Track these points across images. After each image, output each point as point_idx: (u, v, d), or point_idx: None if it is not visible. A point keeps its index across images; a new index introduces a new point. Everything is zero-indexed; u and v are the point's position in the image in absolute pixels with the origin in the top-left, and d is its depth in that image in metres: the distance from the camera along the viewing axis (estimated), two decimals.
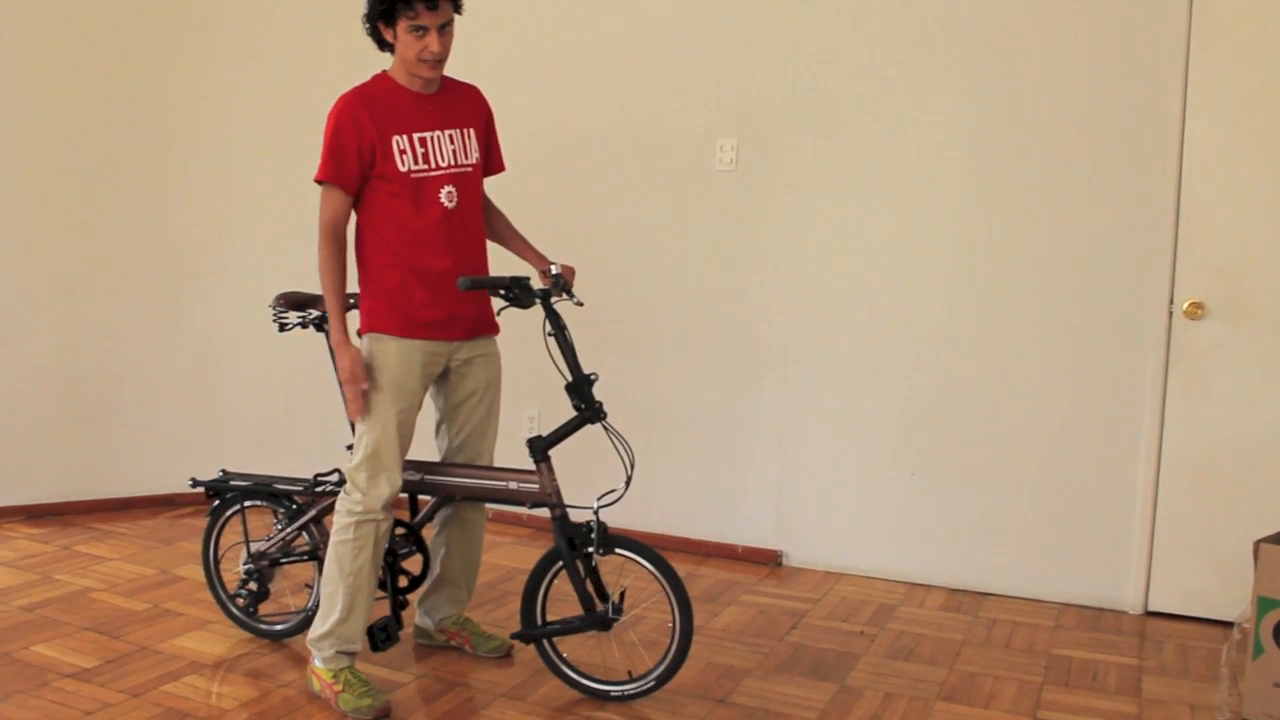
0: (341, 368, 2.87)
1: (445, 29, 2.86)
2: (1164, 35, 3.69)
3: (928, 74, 4.03)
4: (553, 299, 2.98)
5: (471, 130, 3.04)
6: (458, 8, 2.90)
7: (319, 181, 2.91)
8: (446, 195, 2.95)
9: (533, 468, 2.99)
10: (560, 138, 4.65)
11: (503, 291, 2.91)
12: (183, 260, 4.95)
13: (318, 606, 3.17)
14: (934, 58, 4.01)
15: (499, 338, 3.21)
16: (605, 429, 2.93)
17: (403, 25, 2.82)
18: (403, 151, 2.89)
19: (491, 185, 3.26)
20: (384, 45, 2.94)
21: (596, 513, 2.90)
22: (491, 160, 3.17)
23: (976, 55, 3.95)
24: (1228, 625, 3.60)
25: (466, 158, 3.01)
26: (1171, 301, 3.75)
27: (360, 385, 2.87)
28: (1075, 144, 3.84)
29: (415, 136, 2.91)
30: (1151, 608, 3.84)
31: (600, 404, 2.93)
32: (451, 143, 2.98)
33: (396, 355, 2.92)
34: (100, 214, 4.77)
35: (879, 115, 4.11)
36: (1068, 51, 3.83)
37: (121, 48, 4.76)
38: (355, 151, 2.85)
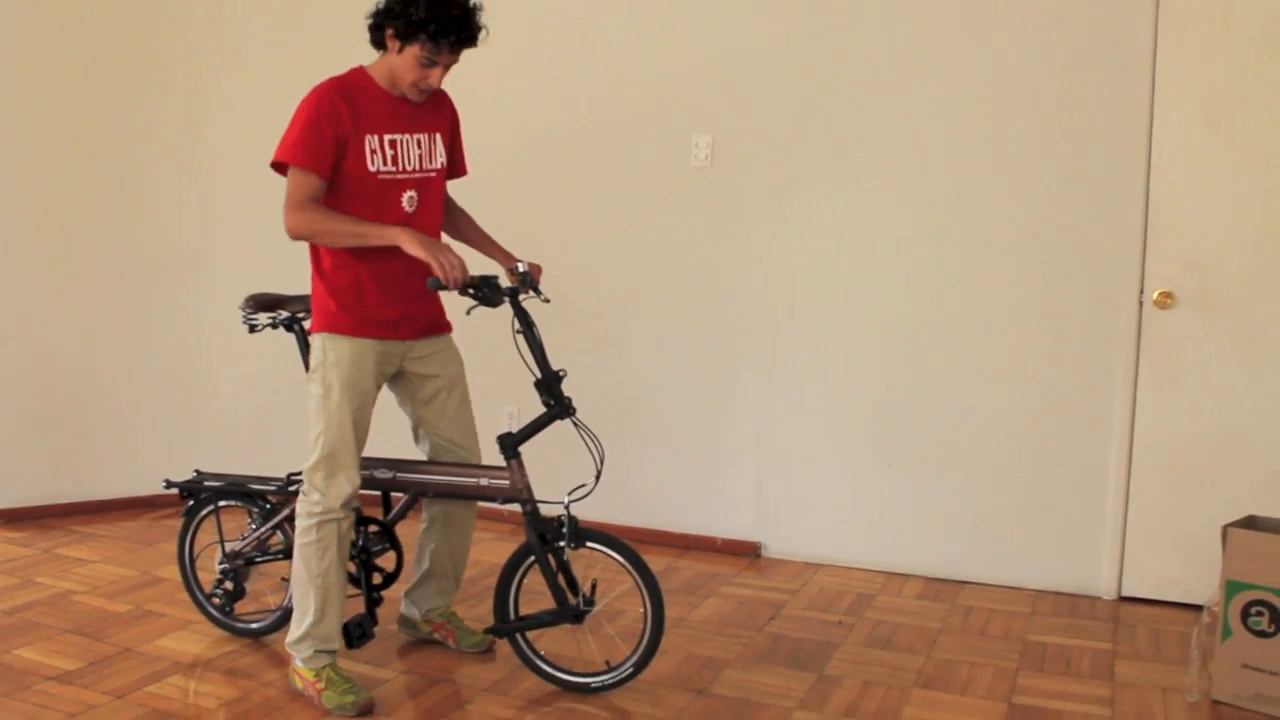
0: (442, 261, 2.74)
1: (450, 65, 2.87)
2: (1133, 29, 3.74)
3: (900, 69, 4.06)
4: (520, 296, 2.99)
5: (438, 135, 3.03)
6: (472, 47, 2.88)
7: (288, 164, 2.82)
8: (408, 200, 2.95)
9: (503, 464, 3.01)
10: (534, 134, 4.66)
11: (471, 290, 2.92)
12: (161, 262, 4.94)
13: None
14: (906, 53, 4.05)
15: (459, 336, 3.22)
16: (575, 424, 2.95)
17: (415, 49, 2.80)
18: (374, 151, 2.87)
19: (466, 182, 3.27)
20: (379, 45, 2.89)
21: (567, 507, 2.92)
22: (455, 165, 3.16)
23: (947, 51, 3.99)
24: (1198, 609, 3.65)
25: (431, 163, 3.01)
26: (1142, 291, 3.80)
27: (443, 252, 2.77)
28: (1046, 137, 3.88)
29: (386, 138, 2.90)
30: (1125, 593, 3.89)
31: (569, 399, 2.95)
32: (419, 147, 2.97)
33: (350, 354, 2.91)
34: (78, 216, 4.76)
35: (852, 111, 4.14)
36: (1038, 45, 3.87)
37: (99, 49, 4.75)
38: (333, 141, 2.80)
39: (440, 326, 3.15)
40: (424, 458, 3.21)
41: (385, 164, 2.90)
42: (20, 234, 4.66)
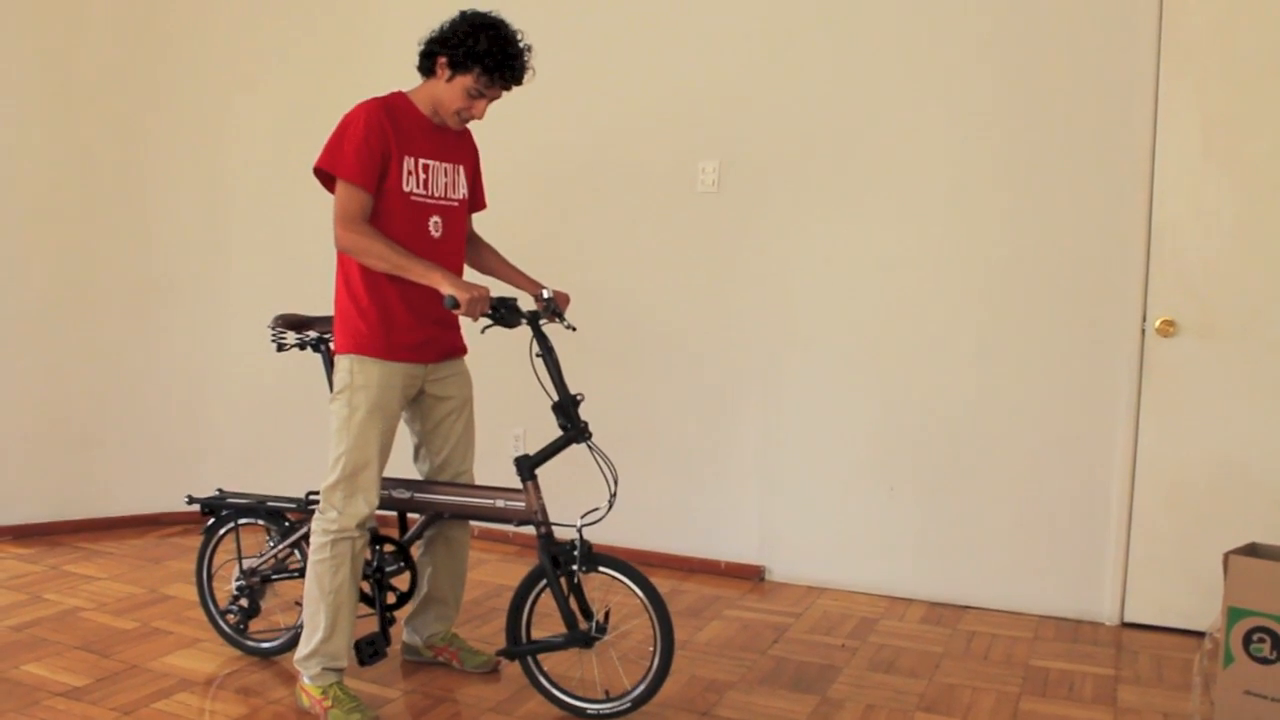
0: (473, 296, 2.77)
1: (494, 100, 2.98)
2: (1135, 59, 3.78)
3: (904, 97, 4.11)
4: (542, 321, 3.03)
5: (461, 168, 3.12)
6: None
7: (340, 178, 2.85)
8: (434, 225, 3.01)
9: (520, 486, 3.04)
10: (541, 159, 4.71)
11: (489, 311, 2.96)
12: (169, 282, 4.99)
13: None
14: (910, 81, 4.10)
15: (470, 359, 3.27)
16: (590, 449, 2.98)
17: (466, 79, 2.91)
18: (410, 173, 2.95)
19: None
20: (428, 72, 2.98)
21: (580, 531, 2.95)
22: (475, 198, 3.24)
23: (951, 79, 4.04)
24: (1201, 635, 3.67)
25: (455, 192, 3.08)
26: (1144, 319, 3.83)
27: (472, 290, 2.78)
28: (1050, 166, 3.92)
29: (421, 161, 2.98)
30: (1127, 619, 3.91)
31: (586, 424, 2.98)
32: (445, 176, 3.05)
33: (379, 378, 2.95)
34: (86, 235, 4.81)
35: (858, 137, 4.19)
36: (1043, 74, 3.91)
37: (108, 71, 4.82)
38: (380, 157, 2.88)
39: (458, 350, 3.20)
40: (419, 477, 3.24)
41: (418, 186, 2.97)
42: (29, 252, 4.70)
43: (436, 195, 3.02)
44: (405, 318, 2.97)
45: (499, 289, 3.32)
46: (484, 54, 2.87)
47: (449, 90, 2.95)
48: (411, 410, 3.17)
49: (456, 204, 3.10)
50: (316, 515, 2.99)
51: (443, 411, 3.16)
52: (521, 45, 2.96)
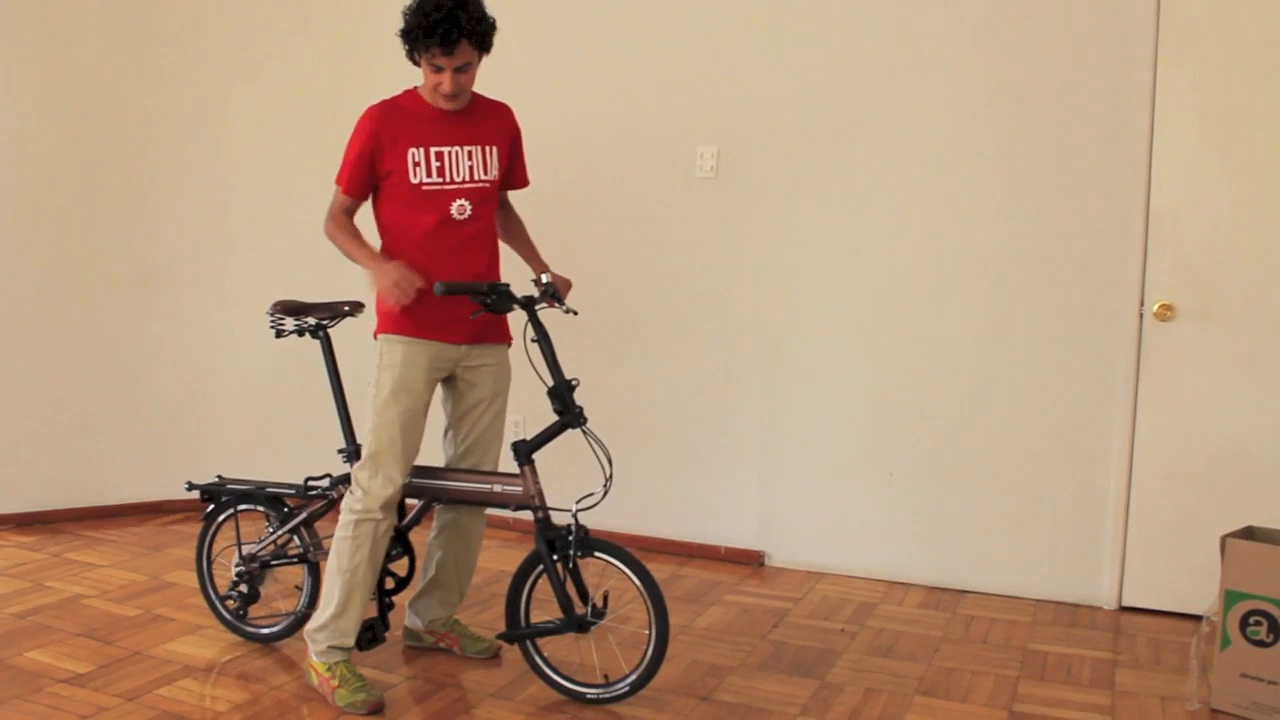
0: (391, 282, 2.90)
1: (463, 69, 2.95)
2: (1134, 45, 3.78)
3: (904, 83, 4.11)
4: (540, 306, 3.04)
5: (494, 148, 3.12)
6: (484, 49, 2.97)
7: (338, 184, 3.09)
8: (458, 209, 3.04)
9: (516, 471, 3.05)
10: (540, 144, 4.66)
11: (479, 296, 2.97)
12: (169, 269, 4.99)
13: (307, 609, 3.27)
14: (910, 67, 4.09)
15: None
16: (585, 433, 2.99)
17: (424, 58, 2.94)
18: (417, 164, 2.99)
19: None
20: (414, 63, 3.04)
21: (575, 516, 2.96)
22: (514, 176, 3.29)
23: (951, 66, 4.04)
24: (1198, 619, 3.69)
25: (485, 174, 3.09)
26: (1142, 303, 3.84)
27: (406, 282, 2.91)
28: (1049, 150, 3.92)
29: (433, 150, 3.01)
30: (1125, 603, 3.92)
31: (581, 409, 2.99)
32: (470, 159, 3.06)
33: (403, 355, 3.00)
34: (87, 223, 4.81)
35: (857, 123, 4.19)
36: (1041, 61, 3.91)
37: (108, 58, 4.80)
38: (370, 158, 3.00)
39: (492, 334, 3.19)
40: (445, 459, 3.26)
41: (430, 175, 3.01)
42: (29, 240, 4.70)
43: (459, 180, 3.04)
44: (430, 296, 2.99)
45: (502, 268, 3.32)
46: (415, 26, 2.89)
47: (424, 73, 3.00)
48: (446, 391, 3.21)
49: (487, 185, 3.11)
50: (346, 494, 3.06)
51: (472, 400, 3.18)
52: (451, 5, 2.83)
